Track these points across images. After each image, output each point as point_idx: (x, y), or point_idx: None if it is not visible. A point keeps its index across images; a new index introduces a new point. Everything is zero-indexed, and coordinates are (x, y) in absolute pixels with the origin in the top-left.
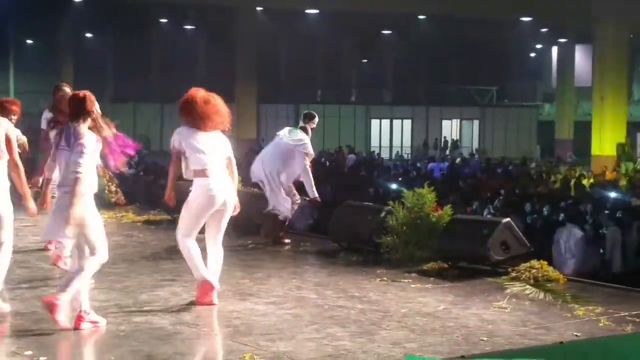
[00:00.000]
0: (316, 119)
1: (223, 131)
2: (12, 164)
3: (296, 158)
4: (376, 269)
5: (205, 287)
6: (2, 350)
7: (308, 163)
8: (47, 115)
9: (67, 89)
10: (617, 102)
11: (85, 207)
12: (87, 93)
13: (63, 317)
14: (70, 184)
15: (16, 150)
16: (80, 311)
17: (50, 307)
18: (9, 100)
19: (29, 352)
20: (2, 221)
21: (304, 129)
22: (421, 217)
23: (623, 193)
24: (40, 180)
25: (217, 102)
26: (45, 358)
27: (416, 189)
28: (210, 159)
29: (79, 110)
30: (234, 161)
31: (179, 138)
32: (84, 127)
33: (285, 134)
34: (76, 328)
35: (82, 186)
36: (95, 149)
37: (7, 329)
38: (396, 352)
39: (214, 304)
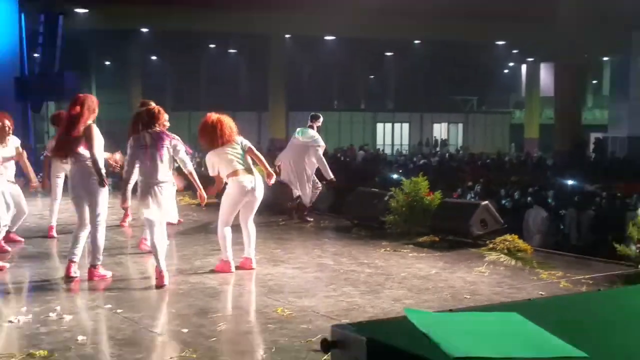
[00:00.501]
0: (321, 119)
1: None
2: None
3: (312, 152)
4: (381, 241)
5: (225, 263)
6: (88, 304)
7: (321, 152)
8: None
9: (153, 104)
10: (574, 109)
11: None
12: (160, 108)
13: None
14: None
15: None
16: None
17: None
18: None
19: (109, 306)
20: (98, 199)
21: (312, 127)
22: (417, 200)
23: (580, 181)
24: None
25: (226, 124)
26: (122, 310)
27: (413, 178)
28: (237, 162)
29: (154, 120)
30: (254, 149)
31: (212, 163)
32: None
33: (299, 136)
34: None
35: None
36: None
37: (92, 288)
38: (397, 307)
39: (252, 269)
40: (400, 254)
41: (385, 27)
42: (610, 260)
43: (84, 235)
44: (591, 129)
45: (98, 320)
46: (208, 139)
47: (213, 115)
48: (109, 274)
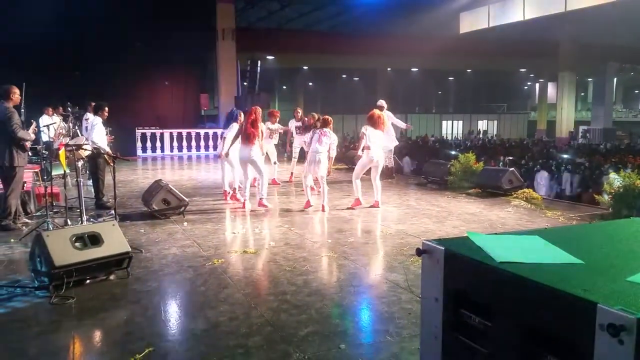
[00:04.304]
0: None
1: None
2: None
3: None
4: (445, 191)
5: (358, 201)
6: (275, 225)
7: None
8: (294, 123)
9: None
10: (569, 111)
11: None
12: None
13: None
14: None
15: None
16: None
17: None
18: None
19: (287, 226)
20: (260, 162)
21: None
22: (468, 167)
23: (571, 154)
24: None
25: (384, 117)
26: (294, 228)
27: (465, 154)
28: (376, 142)
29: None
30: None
31: (366, 132)
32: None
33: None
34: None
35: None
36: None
37: (278, 215)
38: (455, 231)
39: (378, 207)
40: (457, 199)
41: (447, 62)
42: (591, 205)
43: (249, 184)
44: (580, 123)
45: (281, 234)
46: (373, 123)
47: (377, 111)
48: (269, 205)
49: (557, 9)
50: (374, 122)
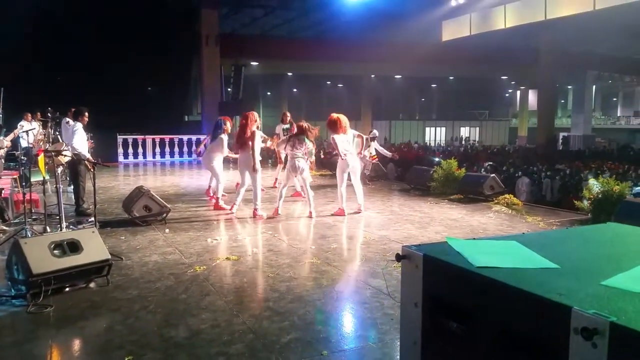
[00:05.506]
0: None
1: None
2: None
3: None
4: (428, 197)
5: (341, 210)
6: (259, 231)
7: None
8: (281, 126)
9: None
10: (549, 118)
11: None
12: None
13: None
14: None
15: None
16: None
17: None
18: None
19: (270, 232)
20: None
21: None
22: (450, 173)
23: (552, 161)
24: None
25: (342, 119)
26: (277, 235)
27: (447, 160)
28: (346, 147)
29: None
30: (358, 140)
31: (334, 140)
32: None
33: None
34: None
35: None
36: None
37: (261, 222)
38: (438, 237)
39: (360, 212)
40: (439, 205)
41: (430, 69)
42: (571, 210)
43: (243, 191)
44: (560, 130)
45: (264, 240)
46: (336, 127)
47: (334, 114)
48: (264, 214)
49: (537, 17)
50: (336, 128)
